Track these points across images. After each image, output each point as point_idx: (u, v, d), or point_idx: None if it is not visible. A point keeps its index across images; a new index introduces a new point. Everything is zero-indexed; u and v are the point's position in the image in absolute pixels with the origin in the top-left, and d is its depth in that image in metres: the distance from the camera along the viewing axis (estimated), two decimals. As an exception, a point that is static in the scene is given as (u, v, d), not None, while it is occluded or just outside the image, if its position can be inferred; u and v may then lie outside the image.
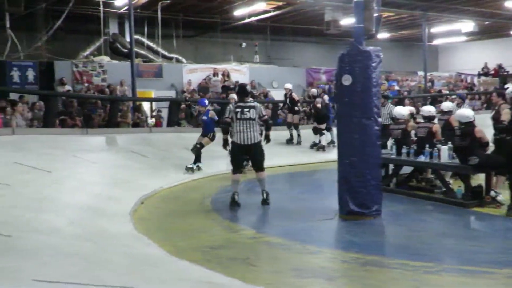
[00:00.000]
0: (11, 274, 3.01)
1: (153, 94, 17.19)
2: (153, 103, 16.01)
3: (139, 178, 7.88)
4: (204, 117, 9.33)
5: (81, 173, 7.39)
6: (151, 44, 18.80)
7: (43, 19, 16.57)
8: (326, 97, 12.43)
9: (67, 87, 15.47)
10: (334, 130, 12.79)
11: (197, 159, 9.23)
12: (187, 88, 17.23)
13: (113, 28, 18.25)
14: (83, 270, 3.47)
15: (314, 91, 13.33)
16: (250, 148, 6.77)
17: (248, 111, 6.72)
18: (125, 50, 17.45)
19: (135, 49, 14.59)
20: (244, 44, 21.76)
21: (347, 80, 5.97)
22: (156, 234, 5.40)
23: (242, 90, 7.12)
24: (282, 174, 9.78)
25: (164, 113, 14.23)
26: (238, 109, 6.74)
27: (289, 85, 12.73)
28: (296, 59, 22.59)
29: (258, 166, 6.91)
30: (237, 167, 6.93)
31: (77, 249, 4.18)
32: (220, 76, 18.07)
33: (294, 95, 12.76)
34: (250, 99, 7.02)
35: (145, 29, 18.54)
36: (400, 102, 15.73)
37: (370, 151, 6.01)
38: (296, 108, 12.42)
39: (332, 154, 11.46)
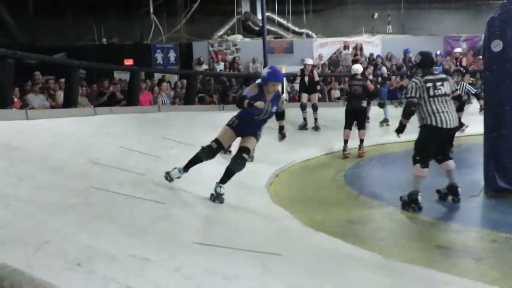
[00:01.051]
0: (173, 237, 3.32)
1: (284, 70, 17.42)
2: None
3: (273, 152, 8.07)
4: (275, 108, 5.42)
5: (221, 148, 7.77)
6: (281, 20, 19.07)
7: (182, 4, 17.68)
8: (384, 69, 10.88)
9: (204, 66, 16.38)
10: (388, 107, 11.06)
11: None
12: (317, 62, 17.13)
13: (245, 7, 18.80)
14: (231, 237, 3.71)
15: (357, 68, 9.33)
16: (451, 132, 5.48)
17: (442, 85, 5.26)
18: (257, 28, 17.92)
19: (266, 26, 14.85)
20: (376, 15, 20.92)
21: (497, 46, 5.52)
22: (292, 206, 5.52)
23: (426, 60, 5.47)
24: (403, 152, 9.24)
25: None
26: (430, 84, 5.24)
27: (310, 61, 10.92)
28: (432, 27, 21.10)
29: (447, 154, 5.62)
30: (427, 159, 5.35)
31: (223, 217, 4.46)
32: (351, 49, 17.66)
33: (316, 73, 10.64)
34: (440, 69, 5.73)
35: (276, 6, 18.80)
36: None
37: (523, 123, 5.49)
38: (318, 87, 10.69)
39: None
